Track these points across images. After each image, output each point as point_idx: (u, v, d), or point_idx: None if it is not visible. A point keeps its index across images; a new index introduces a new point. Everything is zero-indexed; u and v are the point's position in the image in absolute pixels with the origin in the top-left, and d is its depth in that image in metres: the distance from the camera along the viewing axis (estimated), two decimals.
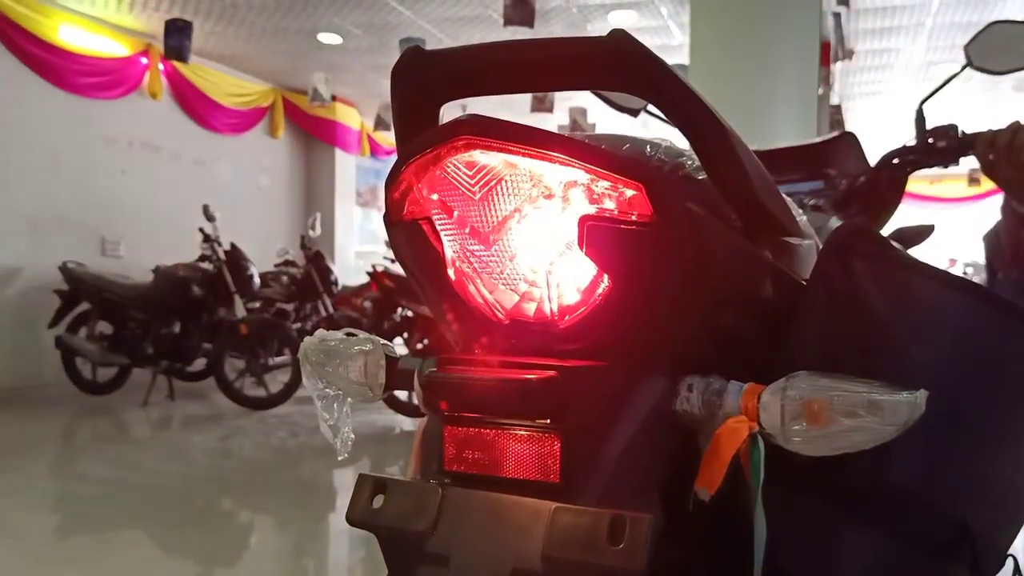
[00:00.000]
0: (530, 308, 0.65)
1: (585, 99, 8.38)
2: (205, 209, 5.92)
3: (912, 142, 1.62)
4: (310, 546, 3.19)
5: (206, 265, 6.07)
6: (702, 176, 0.67)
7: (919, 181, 12.37)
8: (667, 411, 0.66)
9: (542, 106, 7.89)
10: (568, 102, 8.64)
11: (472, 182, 0.62)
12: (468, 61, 0.67)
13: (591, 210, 0.61)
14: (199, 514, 3.43)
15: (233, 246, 6.09)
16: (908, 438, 0.60)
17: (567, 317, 0.64)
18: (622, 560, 0.55)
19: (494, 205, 0.62)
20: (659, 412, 0.65)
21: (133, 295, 5.98)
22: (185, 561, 2.88)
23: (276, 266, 7.42)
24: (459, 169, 0.62)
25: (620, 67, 0.61)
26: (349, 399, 0.80)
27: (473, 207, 0.63)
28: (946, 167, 1.63)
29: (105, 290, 5.97)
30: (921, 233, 1.75)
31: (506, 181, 0.61)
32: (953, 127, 1.59)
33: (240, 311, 5.95)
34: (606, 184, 0.61)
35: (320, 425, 0.80)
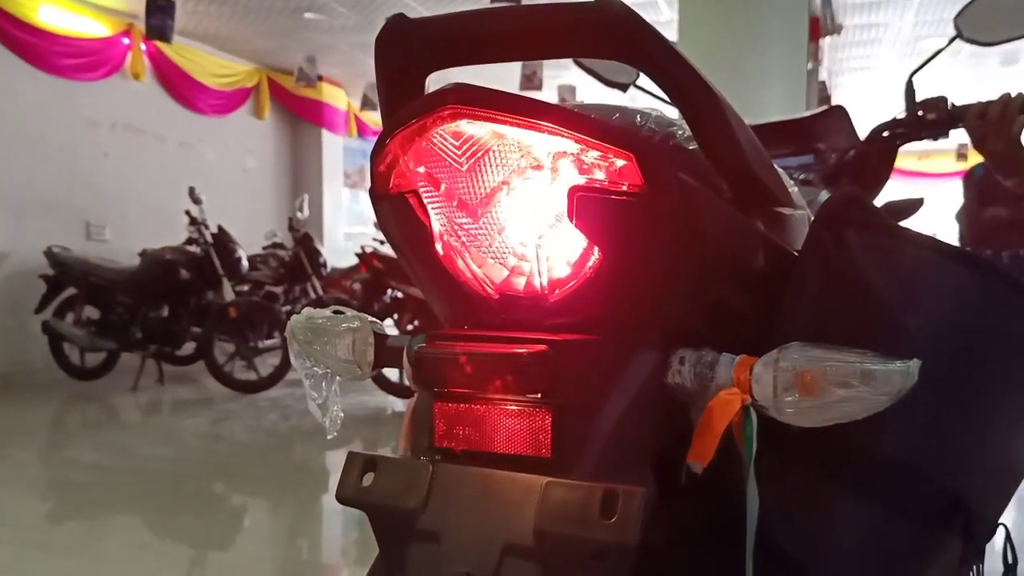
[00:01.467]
0: (520, 282, 0.64)
1: (575, 76, 8.32)
2: (191, 191, 5.87)
3: (902, 115, 1.62)
4: (303, 527, 3.19)
5: (193, 248, 6.03)
6: (693, 146, 0.66)
7: (907, 157, 12.37)
8: (659, 384, 0.65)
9: (531, 84, 7.84)
10: (557, 80, 8.58)
11: (459, 153, 0.60)
12: (454, 29, 0.66)
13: (581, 181, 0.60)
14: (191, 498, 3.42)
15: (220, 229, 6.05)
16: (901, 408, 0.60)
17: (557, 291, 0.63)
18: (615, 534, 0.55)
19: (482, 176, 0.61)
20: (651, 385, 0.64)
21: (120, 279, 5.93)
22: (178, 545, 2.87)
23: (264, 249, 7.37)
24: (445, 140, 0.61)
25: (611, 33, 0.60)
26: (338, 377, 0.79)
27: (460, 179, 0.62)
28: (936, 139, 1.63)
29: (91, 274, 5.93)
30: (910, 207, 1.75)
31: (494, 152, 0.60)
32: (943, 99, 1.59)
33: (229, 294, 5.92)
34: (596, 154, 0.60)
35: (309, 404, 0.79)
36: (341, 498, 0.65)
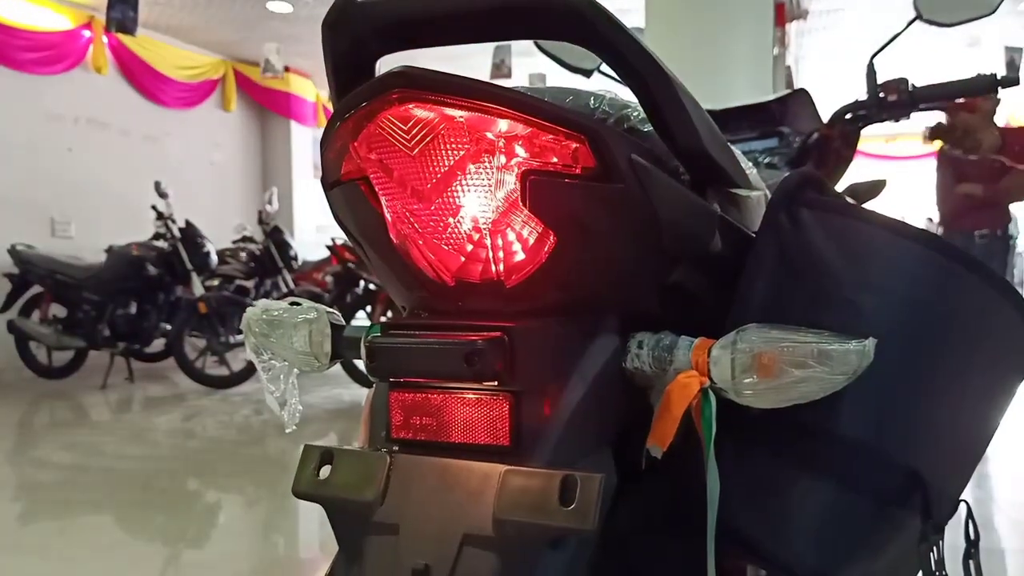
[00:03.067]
0: (476, 269, 0.63)
1: (544, 65, 8.30)
2: (157, 186, 5.80)
3: (864, 97, 1.63)
4: (279, 523, 3.16)
5: (160, 243, 5.96)
6: (648, 128, 0.65)
7: (874, 139, 12.51)
8: (617, 369, 0.64)
9: (500, 72, 7.81)
10: (528, 69, 8.56)
11: (408, 138, 0.59)
12: (404, 11, 0.64)
13: (533, 164, 0.59)
14: (163, 496, 3.38)
15: (188, 223, 5.97)
16: (858, 387, 0.60)
17: (514, 276, 0.63)
18: (574, 520, 0.54)
19: (432, 161, 0.60)
20: (609, 370, 0.64)
21: (86, 276, 5.85)
22: (151, 543, 2.84)
23: (234, 242, 7.29)
24: (394, 124, 0.60)
25: (563, 14, 0.59)
26: (295, 370, 0.77)
27: (411, 164, 0.60)
28: (897, 121, 1.64)
29: (57, 272, 5.84)
30: (874, 188, 1.77)
31: (444, 136, 0.59)
32: (904, 80, 1.60)
33: (198, 289, 5.85)
34: (548, 137, 0.59)
35: (266, 398, 0.78)
36: (297, 492, 0.64)
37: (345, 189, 0.66)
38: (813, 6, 7.31)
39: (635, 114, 0.66)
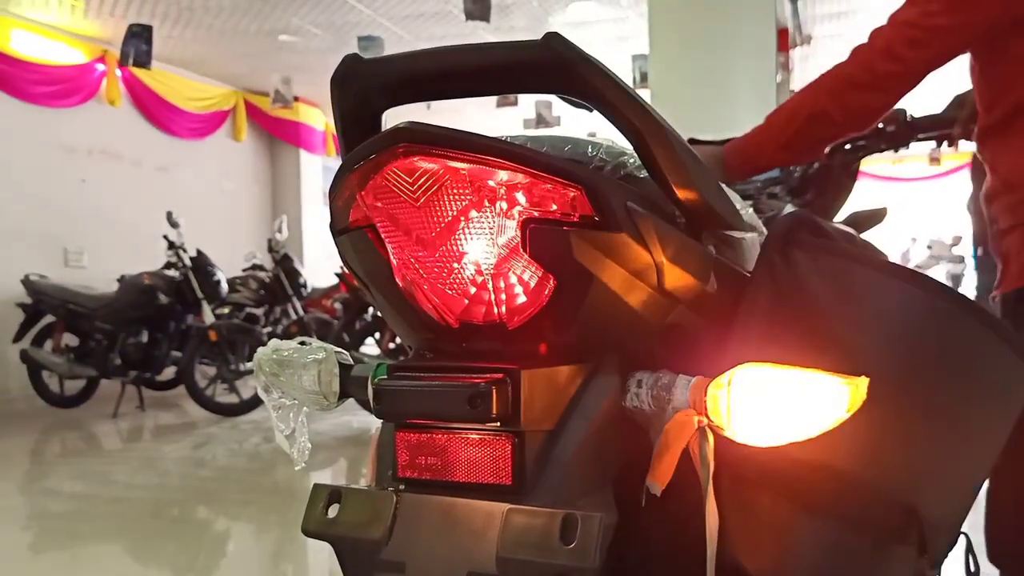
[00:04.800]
0: (479, 311, 0.66)
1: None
2: (169, 216, 5.86)
3: None
4: (288, 552, 3.17)
5: (172, 272, 6.00)
6: (644, 175, 0.67)
7: (881, 161, 12.52)
8: (617, 408, 0.66)
9: (507, 101, 7.87)
10: (534, 96, 8.64)
11: (412, 189, 0.62)
12: (406, 68, 0.67)
13: (533, 213, 0.61)
14: (174, 525, 3.39)
15: (199, 252, 6.03)
16: (853, 425, 0.61)
17: (516, 318, 0.65)
18: (575, 558, 0.56)
19: (436, 211, 0.62)
20: (610, 409, 0.66)
21: (98, 306, 5.89)
22: (161, 573, 2.85)
23: (244, 271, 7.34)
24: (400, 176, 0.62)
25: (554, 71, 0.61)
26: (305, 408, 0.79)
27: (416, 214, 0.63)
28: (896, 151, 1.66)
29: (69, 302, 5.89)
30: (875, 216, 1.78)
31: (447, 187, 0.61)
32: (902, 111, 1.62)
33: (209, 317, 5.89)
34: (547, 186, 0.61)
35: (276, 436, 0.80)
36: (307, 531, 0.65)
37: (353, 236, 0.69)
38: (816, 31, 7.37)
39: (631, 161, 0.68)
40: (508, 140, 0.62)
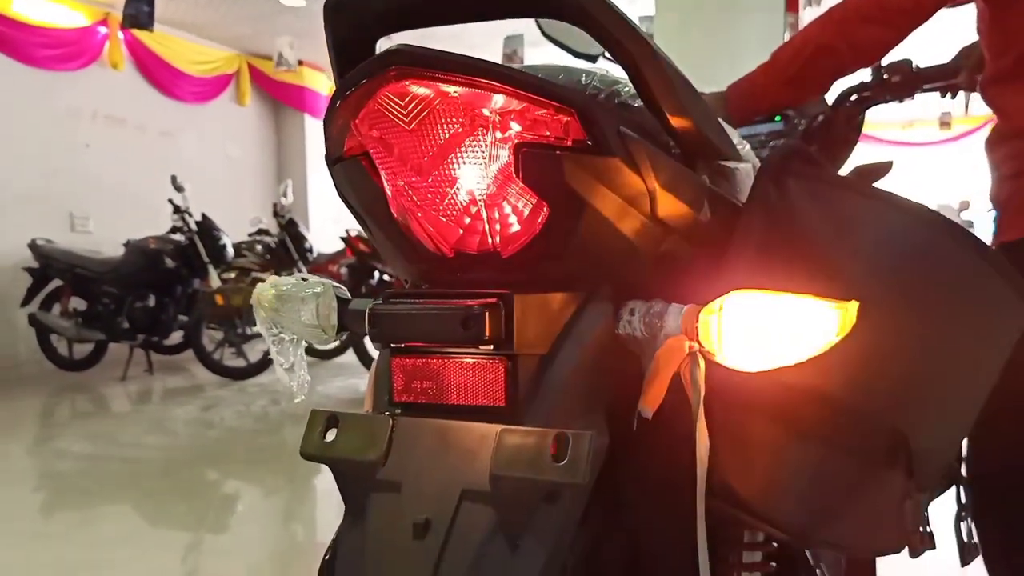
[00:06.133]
0: (474, 240, 0.66)
1: (554, 55, 8.29)
2: (173, 180, 5.86)
3: (868, 79, 1.64)
4: (297, 510, 3.22)
5: (177, 237, 6.02)
6: (638, 103, 0.67)
7: (891, 126, 12.41)
8: (610, 335, 0.67)
9: (511, 61, 7.82)
10: (538, 60, 8.56)
11: (405, 113, 0.62)
12: None
13: (526, 137, 0.62)
14: (183, 484, 3.44)
15: (204, 216, 6.04)
16: (843, 350, 0.62)
17: (510, 247, 0.65)
18: (566, 475, 0.57)
19: (429, 135, 0.62)
20: (602, 336, 0.66)
21: (105, 270, 5.93)
22: (171, 530, 2.90)
23: (250, 235, 7.35)
24: (392, 101, 0.62)
25: None
26: (304, 342, 0.80)
27: (409, 139, 0.63)
28: (901, 101, 1.65)
29: (77, 266, 5.92)
30: (879, 169, 1.77)
31: (440, 111, 0.62)
32: (907, 62, 1.61)
33: (215, 281, 5.92)
34: (540, 111, 0.61)
35: (276, 370, 0.81)
36: (305, 454, 0.67)
37: (347, 165, 0.69)
38: None
39: (625, 89, 0.68)
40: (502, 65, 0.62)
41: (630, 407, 0.66)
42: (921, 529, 0.72)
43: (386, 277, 5.85)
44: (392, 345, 0.67)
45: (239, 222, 7.33)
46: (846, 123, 1.66)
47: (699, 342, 0.63)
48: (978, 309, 0.72)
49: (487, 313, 0.61)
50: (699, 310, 0.64)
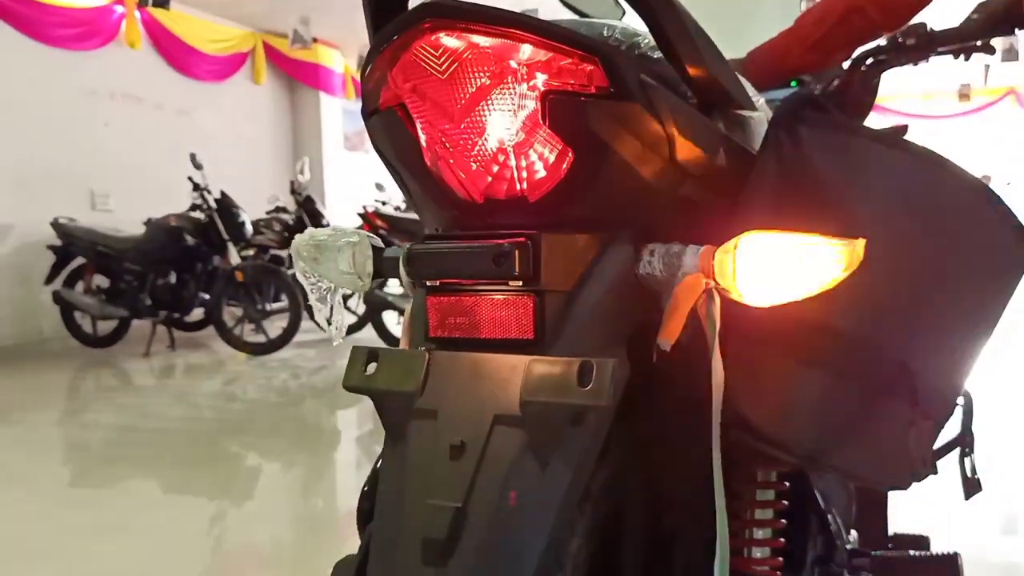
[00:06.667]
0: (502, 186, 0.70)
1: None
2: (192, 157, 5.91)
3: (883, 42, 1.66)
4: (317, 477, 3.30)
5: (197, 214, 6.08)
6: (658, 55, 0.71)
7: (910, 97, 12.31)
8: (631, 274, 0.71)
9: None
10: None
11: (439, 62, 0.66)
12: None
13: (552, 84, 0.66)
14: (208, 454, 3.53)
15: (223, 194, 6.10)
16: (851, 286, 0.66)
17: (536, 192, 0.69)
18: (590, 398, 0.62)
19: (461, 83, 0.66)
20: (624, 275, 0.71)
21: (127, 247, 6.01)
22: (197, 496, 2.98)
23: (268, 213, 7.41)
24: (427, 51, 0.67)
25: None
26: (340, 289, 0.85)
27: (441, 87, 0.67)
28: (916, 64, 1.67)
29: (99, 244, 6.00)
30: (894, 134, 1.79)
31: (471, 60, 0.66)
32: (922, 25, 1.62)
33: (235, 258, 5.98)
34: (565, 60, 0.65)
35: (315, 316, 0.86)
36: (348, 386, 0.71)
37: (383, 116, 0.73)
38: None
39: (645, 42, 0.72)
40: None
41: (650, 343, 0.70)
42: (923, 458, 0.77)
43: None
44: (428, 285, 0.72)
45: (255, 199, 7.41)
46: (861, 87, 1.68)
47: (715, 279, 0.68)
48: (980, 249, 0.76)
49: (516, 251, 0.65)
50: (715, 250, 0.68)
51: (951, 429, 0.93)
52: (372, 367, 0.71)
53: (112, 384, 5.48)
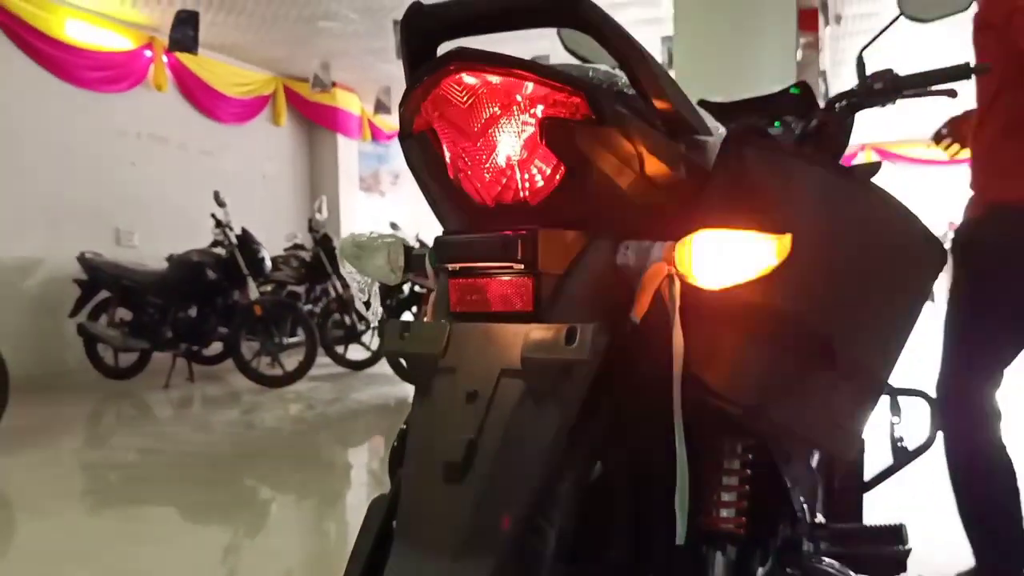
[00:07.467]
0: (509, 194, 0.89)
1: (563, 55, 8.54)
2: (216, 195, 6.13)
3: (855, 87, 1.86)
4: (332, 500, 3.45)
5: (219, 250, 6.27)
6: (631, 92, 0.91)
7: (915, 144, 12.53)
8: (610, 263, 0.90)
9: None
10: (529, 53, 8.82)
11: (461, 96, 0.86)
12: (455, 12, 0.91)
13: (548, 113, 0.85)
14: (227, 476, 3.69)
15: (244, 230, 6.28)
16: (785, 273, 0.84)
17: (536, 198, 0.88)
18: (575, 353, 0.80)
19: (478, 113, 0.86)
20: (604, 264, 0.89)
21: (150, 281, 6.20)
22: (217, 513, 3.14)
23: (286, 250, 7.64)
24: (452, 87, 0.86)
25: (561, 9, 0.85)
26: (377, 282, 1.04)
27: (462, 114, 0.87)
28: (883, 106, 1.86)
29: (123, 277, 6.20)
30: (870, 171, 1.98)
31: (486, 94, 0.85)
32: (889, 71, 1.83)
33: (254, 293, 6.14)
34: (558, 95, 0.85)
35: (356, 303, 1.08)
36: (386, 352, 0.90)
37: (417, 138, 0.93)
38: (846, 11, 7.48)
39: (622, 81, 0.91)
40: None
41: (625, 319, 0.89)
42: (848, 424, 0.94)
43: (417, 288, 6.08)
44: (449, 270, 0.91)
45: (274, 237, 7.64)
46: (836, 127, 1.88)
47: (675, 267, 0.86)
48: (894, 250, 0.95)
49: (520, 240, 0.84)
50: (675, 244, 0.87)
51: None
52: (405, 336, 0.89)
53: (133, 414, 5.64)
